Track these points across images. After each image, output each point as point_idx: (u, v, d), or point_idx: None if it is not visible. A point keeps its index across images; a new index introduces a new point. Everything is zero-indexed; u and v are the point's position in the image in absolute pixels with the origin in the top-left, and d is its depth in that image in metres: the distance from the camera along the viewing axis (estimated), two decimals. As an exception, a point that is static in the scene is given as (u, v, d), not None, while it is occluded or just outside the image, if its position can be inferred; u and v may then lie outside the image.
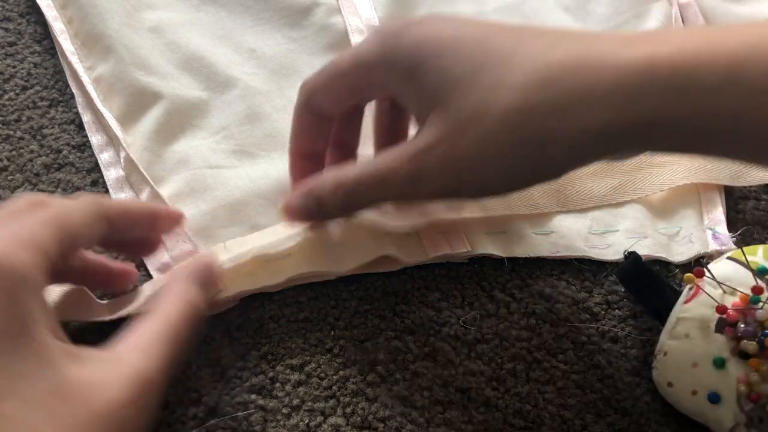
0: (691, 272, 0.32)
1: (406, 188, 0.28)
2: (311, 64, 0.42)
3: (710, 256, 0.37)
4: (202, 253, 0.33)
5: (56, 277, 0.28)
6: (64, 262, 0.26)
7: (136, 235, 0.31)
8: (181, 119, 0.38)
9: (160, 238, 0.33)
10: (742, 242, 0.38)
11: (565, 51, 0.26)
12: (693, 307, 0.31)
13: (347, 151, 0.35)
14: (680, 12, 0.46)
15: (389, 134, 0.34)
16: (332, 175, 0.30)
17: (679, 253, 0.37)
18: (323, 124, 0.33)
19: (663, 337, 0.32)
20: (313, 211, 0.31)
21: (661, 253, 0.37)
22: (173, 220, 0.33)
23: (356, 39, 0.43)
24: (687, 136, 0.25)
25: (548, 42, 0.26)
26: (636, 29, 0.45)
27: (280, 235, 0.34)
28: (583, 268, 0.36)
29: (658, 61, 0.24)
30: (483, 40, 0.27)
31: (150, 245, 0.33)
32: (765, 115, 0.23)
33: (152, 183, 0.35)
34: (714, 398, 0.30)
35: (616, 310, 0.35)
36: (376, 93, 0.31)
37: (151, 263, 0.34)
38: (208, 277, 0.30)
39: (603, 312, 0.35)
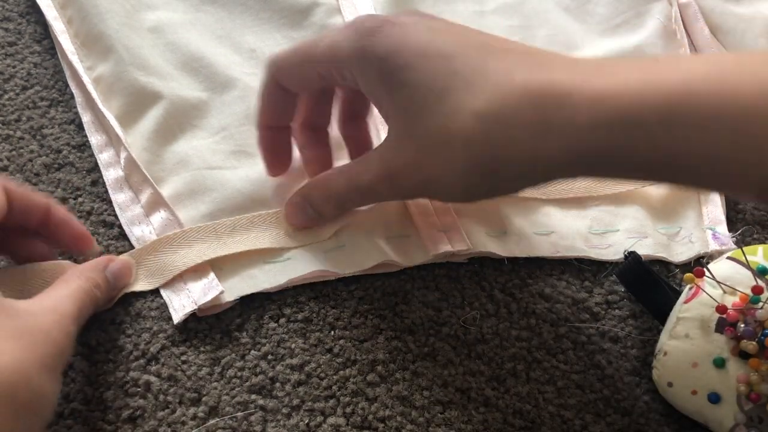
0: (691, 272, 0.32)
1: (388, 197, 0.33)
2: (311, 64, 0.42)
3: (710, 256, 0.37)
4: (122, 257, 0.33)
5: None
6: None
7: (30, 223, 0.31)
8: (180, 119, 0.38)
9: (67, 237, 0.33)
10: (742, 242, 0.38)
11: (524, 80, 0.27)
12: (693, 307, 0.31)
13: (319, 130, 0.36)
14: (680, 12, 0.46)
15: (352, 113, 0.36)
16: (322, 188, 0.33)
17: (679, 253, 0.37)
18: (290, 99, 0.34)
19: (663, 337, 0.32)
20: (315, 219, 0.34)
21: (661, 253, 0.37)
22: (64, 215, 0.32)
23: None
24: (629, 169, 0.27)
25: (510, 67, 0.27)
26: (636, 29, 0.45)
27: (279, 238, 0.34)
28: (583, 268, 0.36)
29: (605, 97, 0.25)
30: (451, 56, 0.28)
31: (85, 241, 0.33)
32: (700, 153, 0.24)
33: (154, 183, 0.35)
34: (714, 398, 0.30)
35: (616, 310, 0.35)
36: (345, 83, 0.32)
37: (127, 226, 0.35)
38: (113, 270, 0.32)
39: (603, 312, 0.35)
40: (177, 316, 0.32)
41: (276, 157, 0.36)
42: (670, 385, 0.31)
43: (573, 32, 0.46)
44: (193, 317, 0.32)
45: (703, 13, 0.46)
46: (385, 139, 0.31)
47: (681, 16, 0.46)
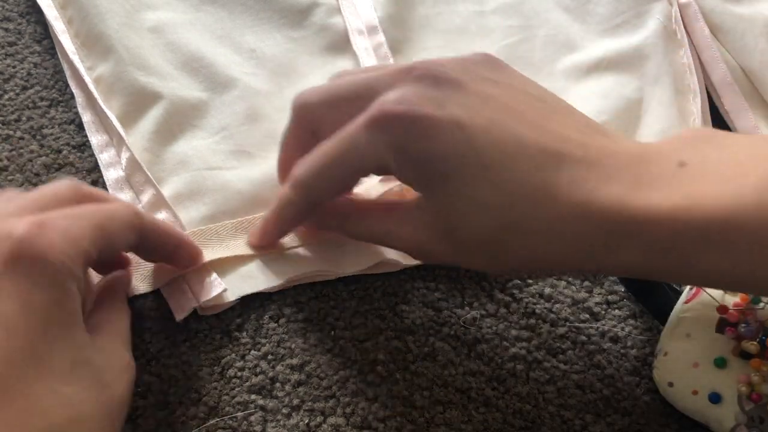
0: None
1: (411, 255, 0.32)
2: (311, 64, 0.42)
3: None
4: (199, 257, 0.33)
5: None
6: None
7: (157, 256, 0.32)
8: (180, 119, 0.38)
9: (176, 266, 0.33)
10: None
11: (571, 197, 0.26)
12: (694, 307, 0.31)
13: None
14: (680, 12, 0.46)
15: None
16: (355, 223, 0.32)
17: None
18: (314, 143, 0.33)
19: (664, 337, 0.32)
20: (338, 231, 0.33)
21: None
22: (193, 255, 0.32)
23: (356, 39, 0.43)
24: (677, 279, 0.30)
25: (552, 182, 0.26)
26: (636, 29, 0.45)
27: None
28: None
29: (648, 218, 0.25)
30: (491, 166, 0.27)
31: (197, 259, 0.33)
32: (748, 271, 0.25)
33: (156, 184, 0.35)
34: (715, 398, 0.30)
35: (616, 310, 0.35)
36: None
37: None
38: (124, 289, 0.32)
39: (603, 312, 0.35)
40: (179, 315, 0.32)
41: (273, 246, 0.35)
42: (670, 385, 0.31)
43: (573, 32, 0.46)
44: (193, 317, 0.32)
45: (703, 13, 0.46)
46: (418, 216, 0.29)
47: (681, 16, 0.46)
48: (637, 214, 0.25)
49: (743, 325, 0.30)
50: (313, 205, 0.31)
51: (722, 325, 0.30)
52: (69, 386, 0.24)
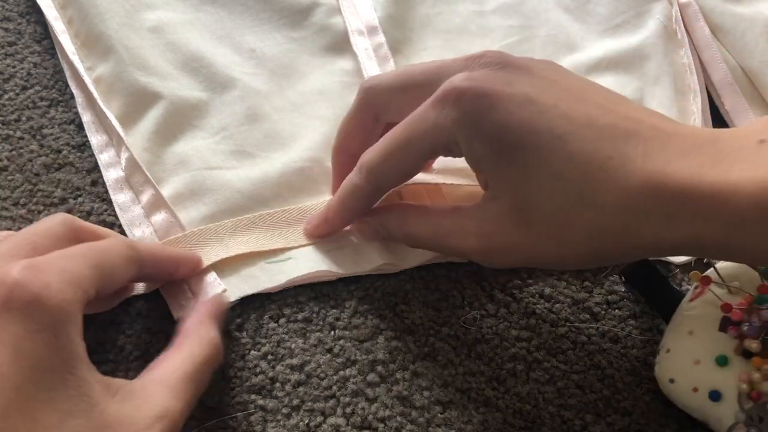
0: (691, 272, 0.32)
1: (473, 260, 0.32)
2: (311, 64, 0.42)
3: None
4: (217, 293, 0.32)
5: None
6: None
7: (160, 280, 0.31)
8: (180, 120, 0.38)
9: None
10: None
11: (641, 170, 0.26)
12: (698, 305, 0.31)
13: None
14: (680, 12, 0.46)
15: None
16: (400, 223, 0.32)
17: (680, 253, 0.37)
18: (377, 129, 0.33)
19: (667, 334, 0.32)
20: (380, 237, 0.34)
21: (661, 253, 0.37)
22: (193, 265, 0.32)
23: (356, 39, 0.43)
24: (750, 259, 0.28)
25: (624, 154, 0.26)
26: (636, 29, 0.45)
27: (280, 238, 0.34)
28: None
29: (721, 195, 0.24)
30: (563, 138, 0.27)
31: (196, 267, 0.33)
32: None
33: (156, 185, 0.35)
34: (715, 396, 0.30)
35: (616, 310, 0.35)
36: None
37: (125, 220, 0.35)
38: (223, 316, 0.31)
39: (603, 312, 0.35)
40: (177, 313, 0.32)
41: (333, 234, 0.35)
42: (671, 381, 0.31)
43: (573, 32, 0.46)
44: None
45: (704, 13, 0.46)
46: (484, 208, 0.29)
47: (681, 15, 0.46)
48: (716, 188, 0.24)
49: (746, 324, 0.30)
50: (381, 192, 0.32)
51: (725, 324, 0.30)
52: None
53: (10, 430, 0.22)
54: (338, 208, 0.33)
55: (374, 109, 0.32)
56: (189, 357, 0.27)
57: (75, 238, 0.28)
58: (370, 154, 0.31)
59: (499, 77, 0.28)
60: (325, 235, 0.34)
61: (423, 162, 0.31)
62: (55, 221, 0.28)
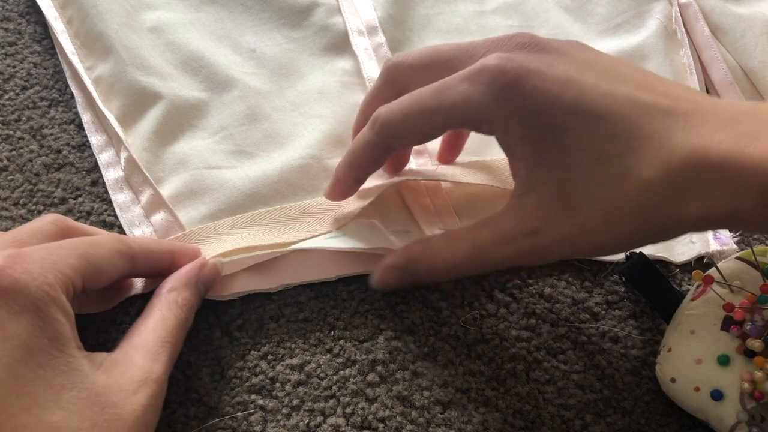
0: (692, 272, 0.32)
1: (519, 264, 0.31)
2: (311, 64, 0.42)
3: (711, 256, 0.37)
4: (199, 256, 0.32)
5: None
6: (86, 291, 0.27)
7: (156, 273, 0.31)
8: (180, 120, 0.38)
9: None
10: (742, 242, 0.38)
11: (683, 145, 0.26)
12: (700, 305, 0.31)
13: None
14: (680, 12, 0.46)
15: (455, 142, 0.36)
16: (429, 261, 0.31)
17: (680, 253, 0.37)
18: (390, 154, 0.32)
19: (668, 333, 0.32)
20: (406, 282, 0.32)
21: (662, 253, 0.37)
22: (191, 257, 0.32)
23: (356, 39, 0.43)
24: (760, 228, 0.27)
25: (665, 129, 0.26)
26: (636, 29, 0.45)
27: (279, 233, 0.34)
28: (583, 268, 0.36)
29: (762, 166, 0.24)
30: (604, 117, 0.26)
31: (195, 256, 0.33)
32: None
33: (155, 184, 0.35)
34: (717, 395, 0.30)
35: (616, 310, 0.35)
36: (475, 131, 0.30)
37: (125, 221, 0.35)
38: (204, 280, 0.31)
39: (603, 312, 0.35)
40: None
41: (348, 195, 0.34)
42: (673, 381, 0.31)
43: (573, 32, 0.46)
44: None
45: (704, 13, 0.46)
46: (521, 205, 0.29)
47: (681, 15, 0.46)
48: (756, 160, 0.24)
49: (749, 323, 0.29)
50: (391, 150, 0.31)
51: (728, 323, 0.30)
52: (56, 415, 0.23)
53: (6, 410, 0.22)
54: (346, 163, 0.32)
55: (397, 86, 0.31)
56: (161, 321, 0.28)
57: (64, 236, 0.28)
58: (388, 109, 0.30)
59: (539, 58, 0.28)
60: (340, 196, 0.33)
61: (444, 131, 0.30)
62: (44, 220, 0.29)
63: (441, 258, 0.31)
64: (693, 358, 0.30)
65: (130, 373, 0.26)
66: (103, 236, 0.29)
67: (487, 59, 0.28)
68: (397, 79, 0.32)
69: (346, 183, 0.33)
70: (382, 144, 0.31)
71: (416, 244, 0.32)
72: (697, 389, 0.30)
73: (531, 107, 0.27)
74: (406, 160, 0.36)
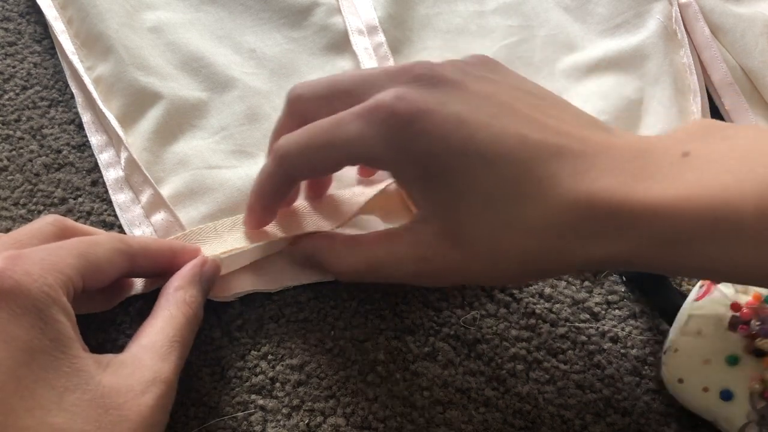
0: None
1: (403, 282, 0.32)
2: (311, 64, 0.42)
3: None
4: (199, 255, 0.32)
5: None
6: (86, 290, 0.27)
7: (159, 272, 0.31)
8: (180, 120, 0.38)
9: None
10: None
11: (570, 190, 0.26)
12: (705, 305, 0.31)
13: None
14: (680, 12, 0.46)
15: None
16: (332, 258, 0.31)
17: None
18: (296, 185, 0.32)
19: (672, 334, 0.32)
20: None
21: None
22: (191, 255, 0.32)
23: (356, 39, 0.43)
24: (676, 272, 0.31)
25: (554, 174, 0.26)
26: (636, 29, 0.45)
27: (279, 232, 0.34)
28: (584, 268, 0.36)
29: (648, 210, 0.25)
30: (493, 162, 0.26)
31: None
32: (751, 263, 0.25)
33: (155, 184, 0.35)
34: (726, 395, 0.29)
35: (616, 310, 0.35)
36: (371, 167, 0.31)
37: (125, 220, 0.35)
38: (207, 277, 0.31)
39: (603, 312, 0.35)
40: None
41: (264, 224, 0.34)
42: (680, 381, 0.31)
43: (573, 32, 0.46)
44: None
45: (703, 13, 0.46)
46: (416, 231, 0.29)
47: (681, 15, 0.46)
48: (639, 205, 0.25)
49: (757, 322, 0.29)
50: (293, 180, 0.31)
51: (735, 323, 0.30)
52: (59, 417, 0.23)
53: (9, 413, 0.22)
54: (253, 193, 0.32)
55: (301, 118, 0.31)
56: (169, 320, 0.28)
57: (64, 237, 0.28)
58: (286, 141, 0.30)
59: (431, 96, 0.27)
60: (255, 225, 0.33)
61: (339, 166, 0.30)
62: (44, 221, 0.29)
63: (338, 263, 0.31)
64: (701, 358, 0.30)
65: (139, 373, 0.26)
66: (102, 236, 0.29)
67: (380, 97, 0.27)
68: (299, 111, 0.31)
69: (256, 212, 0.33)
70: (282, 175, 0.31)
71: (323, 238, 0.32)
72: (705, 390, 0.30)
73: (421, 150, 0.27)
74: (327, 185, 0.35)
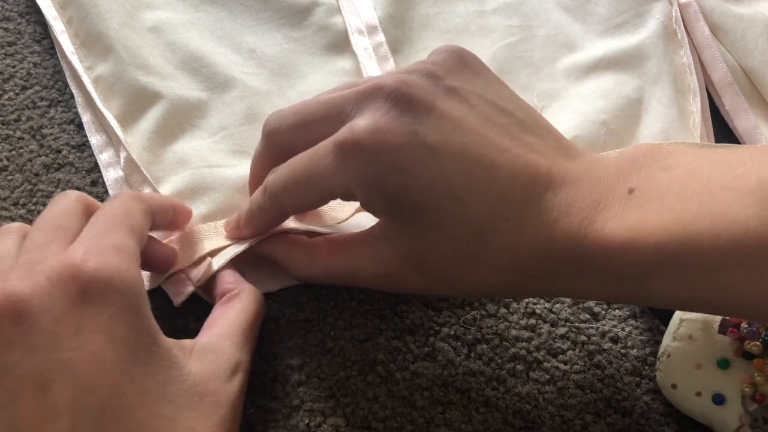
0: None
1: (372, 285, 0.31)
2: (311, 64, 0.42)
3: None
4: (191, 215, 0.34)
5: None
6: None
7: (160, 226, 0.32)
8: (180, 119, 0.38)
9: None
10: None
11: (533, 233, 0.27)
12: None
13: None
14: (680, 12, 0.46)
15: None
16: (294, 265, 0.32)
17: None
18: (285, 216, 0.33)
19: (666, 339, 0.32)
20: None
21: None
22: (187, 215, 0.33)
23: (356, 39, 0.43)
24: (637, 303, 0.33)
25: (518, 220, 0.27)
26: (636, 29, 0.45)
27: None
28: (583, 268, 0.36)
29: (601, 248, 0.26)
30: (462, 201, 0.27)
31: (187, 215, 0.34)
32: (698, 297, 0.26)
33: (154, 184, 0.35)
34: (718, 399, 0.30)
35: (616, 310, 0.35)
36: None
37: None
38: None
39: (603, 312, 0.35)
40: (177, 300, 0.32)
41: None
42: (674, 387, 0.31)
43: (573, 32, 0.46)
44: (194, 318, 0.32)
45: (703, 13, 0.46)
46: (378, 248, 0.29)
47: (681, 15, 0.46)
48: (592, 245, 0.26)
49: (746, 326, 0.30)
50: (285, 215, 0.32)
51: (725, 326, 0.30)
52: (167, 408, 0.24)
53: (125, 407, 0.23)
54: (247, 221, 0.32)
55: (279, 153, 0.31)
56: (243, 312, 0.30)
57: (89, 213, 0.28)
58: (274, 178, 0.30)
59: (402, 125, 0.27)
60: (237, 239, 0.33)
61: (323, 201, 0.30)
62: (68, 199, 0.29)
63: (297, 271, 0.32)
64: (692, 363, 0.30)
65: (222, 360, 0.27)
66: (127, 201, 0.29)
67: (351, 130, 0.27)
68: (277, 144, 0.31)
69: (243, 235, 0.33)
70: (273, 211, 0.31)
71: (283, 245, 0.32)
72: (698, 394, 0.30)
73: (391, 189, 0.27)
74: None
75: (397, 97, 0.27)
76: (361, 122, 0.27)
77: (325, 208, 0.34)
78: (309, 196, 0.30)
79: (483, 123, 0.28)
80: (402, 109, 0.27)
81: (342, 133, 0.27)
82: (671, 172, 0.27)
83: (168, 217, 0.32)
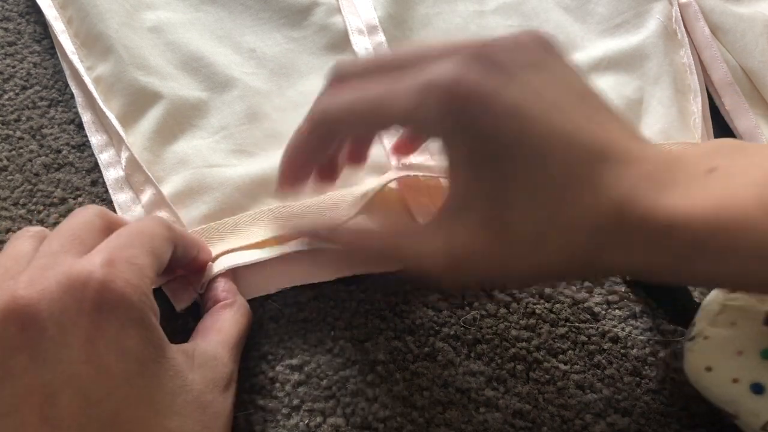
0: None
1: (435, 277, 0.29)
2: (311, 64, 0.42)
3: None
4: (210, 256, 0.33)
5: None
6: None
7: (179, 263, 0.31)
8: (180, 119, 0.38)
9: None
10: None
11: (611, 196, 0.26)
12: (741, 297, 0.31)
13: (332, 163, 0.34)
14: (680, 12, 0.46)
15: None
16: (360, 250, 0.30)
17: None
18: (331, 145, 0.31)
19: (701, 323, 0.31)
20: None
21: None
22: (208, 259, 0.33)
23: (356, 39, 0.43)
24: (690, 283, 0.33)
25: (600, 178, 0.26)
26: (636, 29, 0.45)
27: (280, 230, 0.34)
28: (583, 268, 0.36)
29: (670, 221, 0.25)
30: (545, 156, 0.26)
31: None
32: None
33: (156, 183, 0.35)
34: (757, 389, 0.29)
35: (616, 310, 0.35)
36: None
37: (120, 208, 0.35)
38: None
39: (603, 312, 0.35)
40: (180, 306, 0.32)
41: (297, 183, 0.32)
42: (708, 369, 0.30)
43: (573, 32, 0.46)
44: (194, 318, 0.32)
45: (704, 13, 0.46)
46: (453, 220, 0.28)
47: (681, 15, 0.46)
48: (667, 221, 0.25)
49: None
50: (325, 141, 0.30)
51: None
52: (174, 420, 0.24)
53: (136, 420, 0.24)
54: (285, 154, 0.31)
55: (330, 135, 0.30)
56: (236, 324, 0.30)
57: (110, 230, 0.28)
58: (328, 99, 0.29)
59: (493, 78, 0.27)
60: (288, 183, 0.32)
61: (379, 127, 0.29)
62: (90, 213, 0.28)
63: (360, 256, 0.31)
64: (733, 349, 0.30)
65: (220, 368, 0.27)
66: (153, 224, 0.29)
67: (437, 73, 0.27)
68: (327, 127, 0.30)
69: (288, 178, 0.31)
70: (316, 132, 0.29)
71: (342, 233, 0.31)
72: (735, 381, 0.30)
73: (477, 133, 0.27)
74: (338, 171, 0.34)
75: (487, 55, 0.27)
76: (449, 70, 0.27)
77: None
78: (369, 116, 0.28)
79: (560, 100, 0.28)
80: (492, 67, 0.27)
81: (427, 75, 0.27)
82: (755, 158, 0.27)
83: (192, 254, 0.31)
